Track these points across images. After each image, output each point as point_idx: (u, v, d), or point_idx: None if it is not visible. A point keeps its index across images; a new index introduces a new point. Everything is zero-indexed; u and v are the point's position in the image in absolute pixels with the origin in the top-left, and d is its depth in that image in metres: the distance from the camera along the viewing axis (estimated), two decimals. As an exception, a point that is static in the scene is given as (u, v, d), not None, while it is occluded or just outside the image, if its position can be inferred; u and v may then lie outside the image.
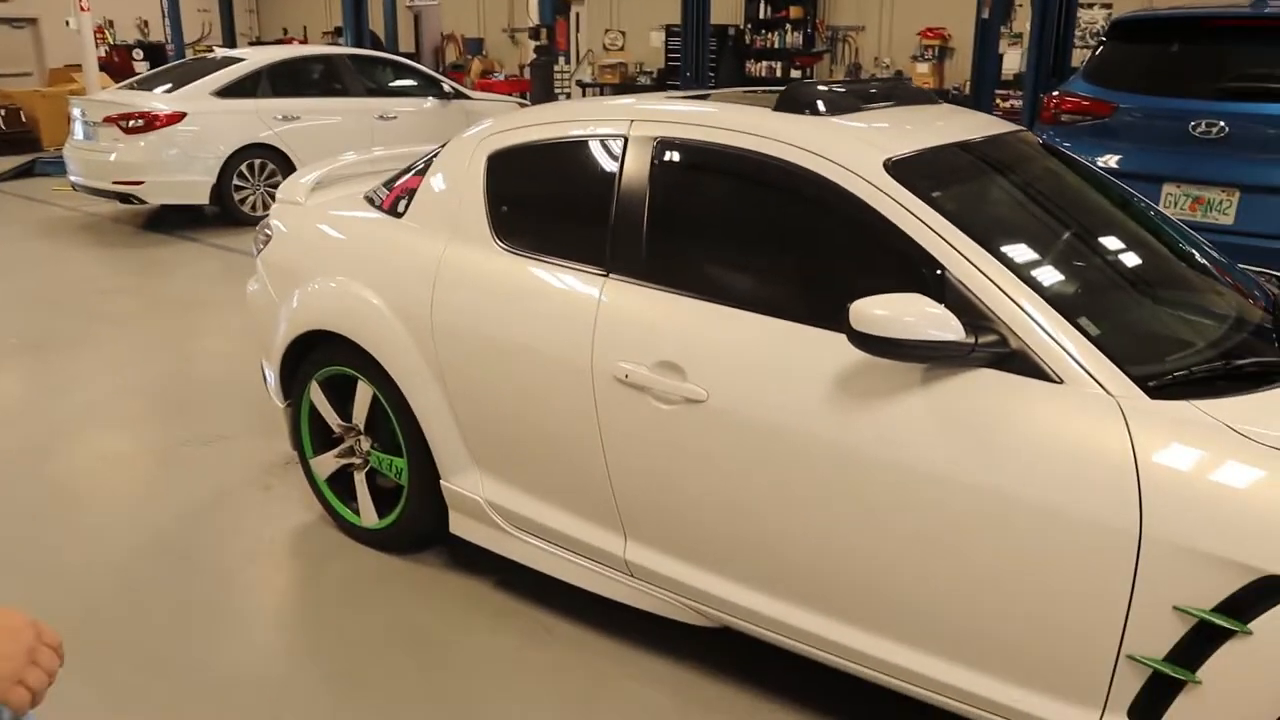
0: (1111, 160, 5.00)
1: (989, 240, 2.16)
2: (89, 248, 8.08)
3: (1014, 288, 2.08)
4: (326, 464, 3.39)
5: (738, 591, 2.44)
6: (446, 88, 10.25)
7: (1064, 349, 2.00)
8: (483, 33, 18.71)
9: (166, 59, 14.92)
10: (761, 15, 14.85)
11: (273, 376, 3.53)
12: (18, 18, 20.26)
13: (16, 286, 6.82)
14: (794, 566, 2.31)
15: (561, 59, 10.60)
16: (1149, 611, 1.88)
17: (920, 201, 2.21)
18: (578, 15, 16.66)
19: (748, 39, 15.05)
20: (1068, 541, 1.93)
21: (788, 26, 14.67)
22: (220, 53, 9.64)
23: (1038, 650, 2.03)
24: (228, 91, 8.77)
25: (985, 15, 8.91)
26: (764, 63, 14.92)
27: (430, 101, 9.97)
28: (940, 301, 2.08)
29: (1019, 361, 2.03)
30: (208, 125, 8.55)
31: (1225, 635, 1.82)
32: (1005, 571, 2.01)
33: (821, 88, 2.65)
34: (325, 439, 3.39)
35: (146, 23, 20.52)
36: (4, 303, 6.40)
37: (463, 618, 2.96)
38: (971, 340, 2.00)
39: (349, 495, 3.38)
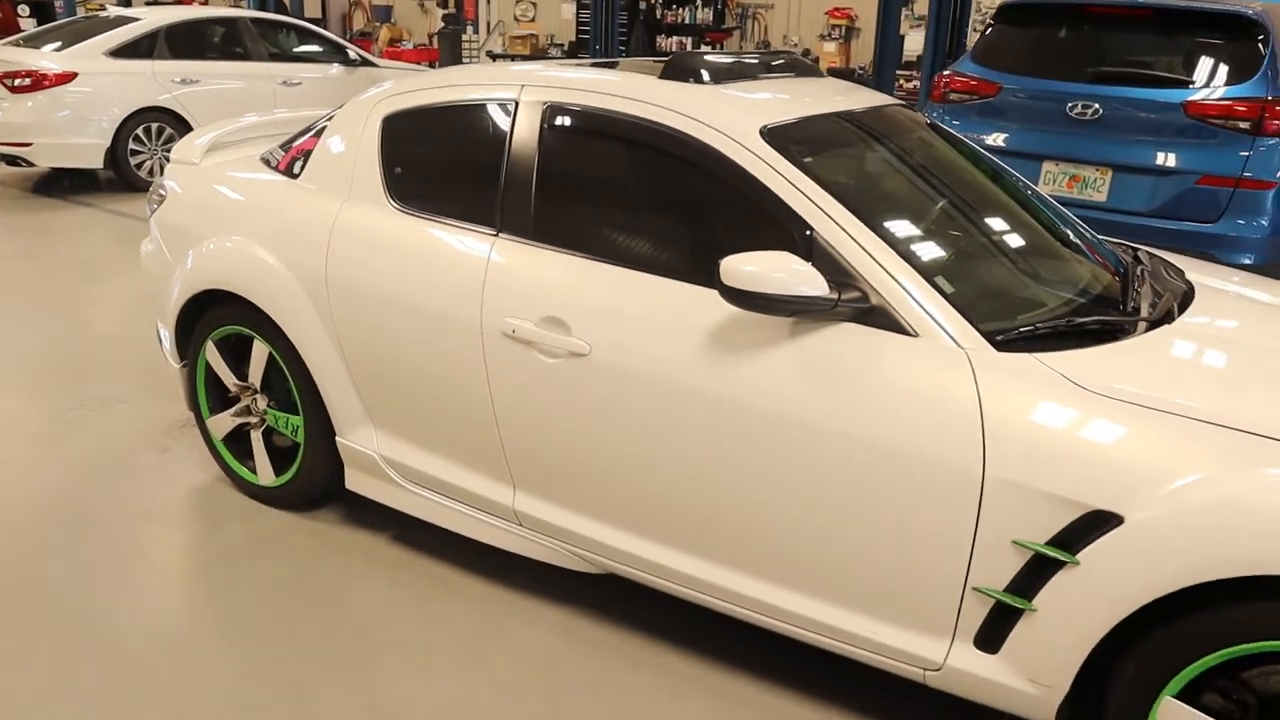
0: (996, 139, 5.23)
1: (855, 204, 2.30)
2: (-25, 211, 7.80)
3: (876, 248, 2.22)
4: (223, 424, 3.40)
5: (619, 537, 2.56)
6: (352, 54, 10.11)
7: (919, 305, 2.16)
8: (391, 0, 18.41)
9: (55, 16, 14.35)
10: (673, -10, 14.96)
11: (168, 337, 3.53)
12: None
13: (-104, 249, 6.57)
14: (670, 512, 2.43)
15: (470, 29, 10.53)
16: (991, 546, 2.05)
17: (793, 166, 2.34)
18: (489, -15, 16.50)
19: (659, 14, 15.13)
20: (919, 482, 2.08)
21: (698, 2, 14.80)
22: (114, 11, 9.33)
23: (893, 585, 2.19)
24: (122, 52, 8.52)
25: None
26: (675, 38, 15.02)
27: (336, 68, 9.82)
28: (808, 260, 2.22)
29: (879, 316, 2.18)
30: (101, 87, 8.30)
31: (1057, 566, 1.99)
32: (863, 511, 2.16)
33: (708, 57, 2.77)
34: (222, 399, 3.41)
35: (35, -21, 19.64)
36: (-117, 265, 6.17)
37: (360, 571, 3.02)
38: (835, 296, 2.14)
39: (246, 454, 3.40)
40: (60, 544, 3.12)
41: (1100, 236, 3.04)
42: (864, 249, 2.22)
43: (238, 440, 3.42)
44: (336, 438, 3.08)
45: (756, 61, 2.97)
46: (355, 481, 3.12)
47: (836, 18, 13.50)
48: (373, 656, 2.64)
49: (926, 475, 2.07)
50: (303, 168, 3.19)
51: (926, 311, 2.15)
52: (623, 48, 13.69)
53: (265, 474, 3.33)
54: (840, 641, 2.31)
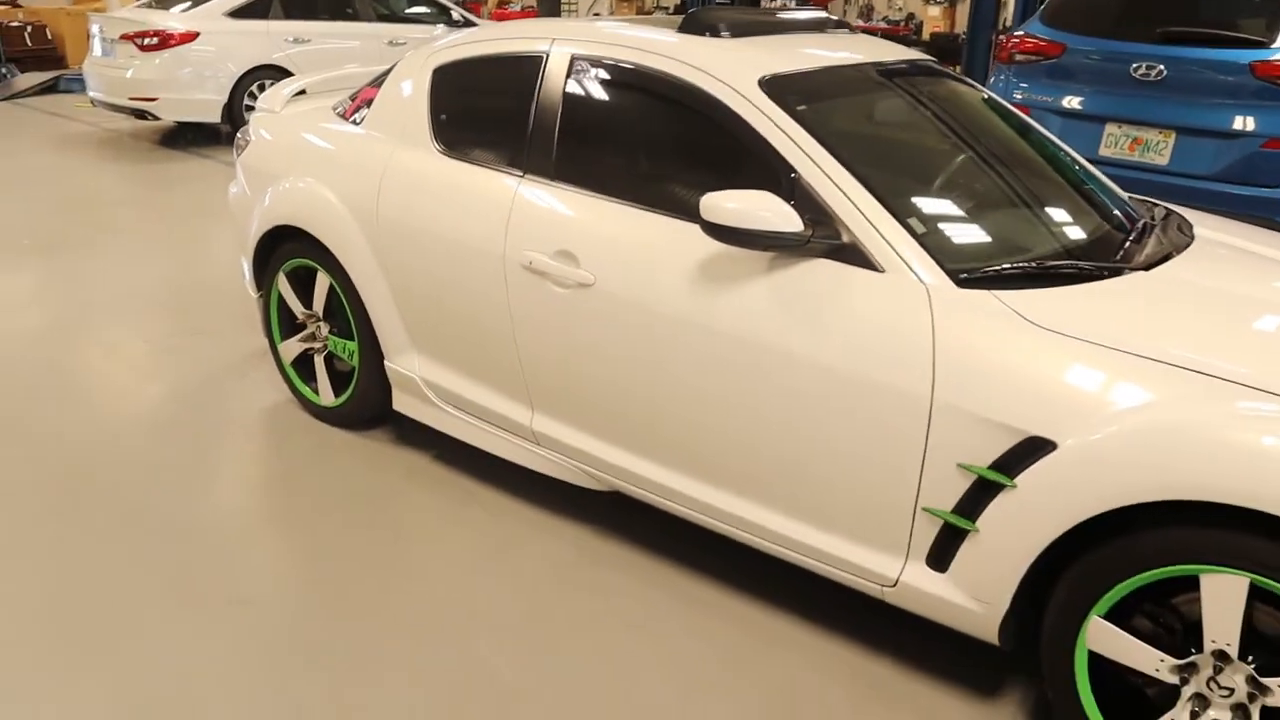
0: (1060, 100, 5.22)
1: (841, 149, 2.46)
2: (105, 162, 8.44)
3: (853, 190, 2.38)
4: (292, 349, 3.75)
5: (619, 455, 2.79)
6: (456, 15, 10.47)
7: (888, 243, 2.31)
8: (504, -37, 18.75)
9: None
10: (779, -47, 14.87)
11: (248, 269, 3.89)
12: (48, -64, 20.43)
13: (34, 195, 7.20)
14: (660, 431, 2.65)
15: (570, -9, 10.74)
16: (939, 470, 2.21)
17: (784, 113, 2.51)
18: (598, -52, 16.69)
19: (765, -24, 15.09)
20: (876, 407, 2.25)
21: (804, -35, 14.69)
22: (235, -25, 9.87)
23: (854, 504, 2.37)
24: (241, 13, 9.04)
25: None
26: (776, 2, 14.96)
27: (441, 28, 10.20)
28: (790, 200, 2.39)
29: (850, 253, 2.34)
30: (220, 45, 8.84)
31: (997, 489, 2.15)
32: (827, 433, 2.34)
33: (727, 13, 2.94)
34: (291, 326, 3.76)
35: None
36: (21, 209, 6.79)
37: (402, 483, 3.33)
38: (808, 233, 2.31)
39: (310, 377, 3.75)
40: (152, 449, 3.52)
41: (1118, 190, 3.11)
42: (841, 190, 2.38)
43: (304, 364, 3.77)
44: (385, 362, 3.39)
45: (778, 19, 3.12)
46: (401, 402, 3.43)
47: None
48: (404, 552, 2.94)
49: (882, 400, 2.24)
50: (364, 115, 3.49)
51: (894, 249, 2.31)
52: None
53: (326, 395, 3.67)
54: (809, 557, 2.50)
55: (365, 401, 3.55)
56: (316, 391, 3.72)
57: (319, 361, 3.67)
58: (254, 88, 9.07)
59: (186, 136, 9.59)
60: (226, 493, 3.25)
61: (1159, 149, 4.92)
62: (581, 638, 2.61)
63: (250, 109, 9.08)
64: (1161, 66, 4.85)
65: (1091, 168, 3.14)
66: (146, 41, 8.61)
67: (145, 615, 2.64)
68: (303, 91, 4.15)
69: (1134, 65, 4.92)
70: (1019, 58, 5.38)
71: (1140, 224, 2.83)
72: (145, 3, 9.81)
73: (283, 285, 3.69)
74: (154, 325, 4.69)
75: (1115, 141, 5.04)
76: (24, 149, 8.87)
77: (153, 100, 8.71)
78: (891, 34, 13.32)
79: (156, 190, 7.45)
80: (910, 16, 13.70)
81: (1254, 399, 1.95)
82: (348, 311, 3.45)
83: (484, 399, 3.11)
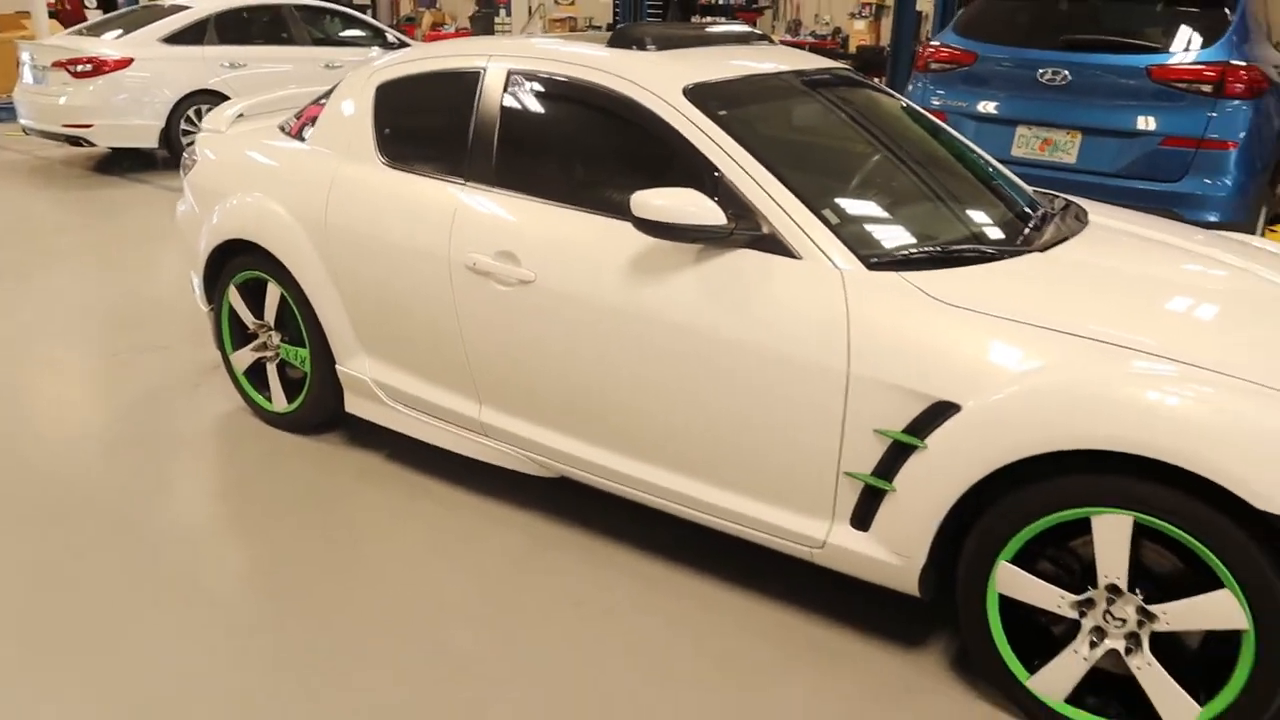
0: (974, 105, 5.52)
1: (759, 149, 2.67)
2: (40, 189, 8.41)
3: (771, 186, 2.59)
4: (244, 358, 3.87)
5: (564, 441, 2.96)
6: (391, 38, 10.60)
7: (804, 233, 2.52)
8: (437, -14, 18.92)
9: (119, 6, 15.06)
10: (707, -29, 15.22)
11: (198, 284, 4.00)
12: (-31, -35, 20.17)
13: (-30, 221, 7.18)
14: (603, 416, 2.83)
15: (503, 12, 10.96)
16: (857, 436, 2.42)
17: (706, 118, 2.72)
18: (530, -30, 16.91)
19: (694, -6, 15.41)
20: (798, 382, 2.45)
21: (732, -18, 15.05)
22: (169, 1, 9.92)
23: (783, 474, 2.56)
24: (176, 38, 9.08)
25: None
26: (709, 17, 15.28)
27: (375, 51, 10.31)
28: (714, 197, 2.59)
29: (770, 243, 2.55)
30: (155, 71, 8.87)
31: (910, 450, 2.35)
32: (756, 409, 2.54)
33: (652, 29, 3.14)
34: (243, 337, 3.87)
35: (100, -28, 20.47)
36: (-42, 235, 6.78)
37: (356, 483, 3.47)
38: (731, 225, 2.51)
39: (263, 385, 3.87)
40: (108, 461, 3.61)
41: (1023, 184, 3.35)
42: (760, 186, 2.59)
43: (256, 373, 3.88)
44: (336, 365, 3.52)
45: (702, 32, 3.33)
46: (353, 404, 3.56)
47: (873, -4, 13.71)
48: (363, 549, 3.08)
49: (804, 376, 2.44)
50: (310, 133, 3.63)
51: (810, 238, 2.51)
52: (659, 29, 14.00)
53: (279, 401, 3.79)
54: (743, 525, 2.69)
55: (318, 405, 3.68)
56: (270, 399, 3.84)
57: (271, 369, 3.79)
58: (190, 112, 9.11)
59: (123, 163, 9.58)
60: (186, 500, 3.36)
61: (1067, 148, 5.23)
62: (535, 617, 2.77)
63: (188, 134, 9.11)
64: (1066, 72, 5.16)
65: (999, 165, 3.40)
66: (80, 68, 8.62)
67: (118, 621, 2.75)
68: (241, 115, 4.27)
69: (1040, 71, 5.23)
70: (935, 66, 5.68)
71: (1040, 213, 3.07)
72: (77, 30, 9.80)
73: (234, 297, 3.80)
74: (104, 344, 4.76)
75: (1026, 142, 5.34)
76: (-43, 179, 8.80)
77: (88, 127, 8.70)
78: (819, 47, 13.69)
79: (95, 217, 7.47)
80: (837, 30, 14.11)
81: (1135, 360, 2.19)
82: (299, 319, 3.58)
83: (434, 395, 3.27)
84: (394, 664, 2.57)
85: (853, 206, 2.72)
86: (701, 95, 2.81)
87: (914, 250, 2.58)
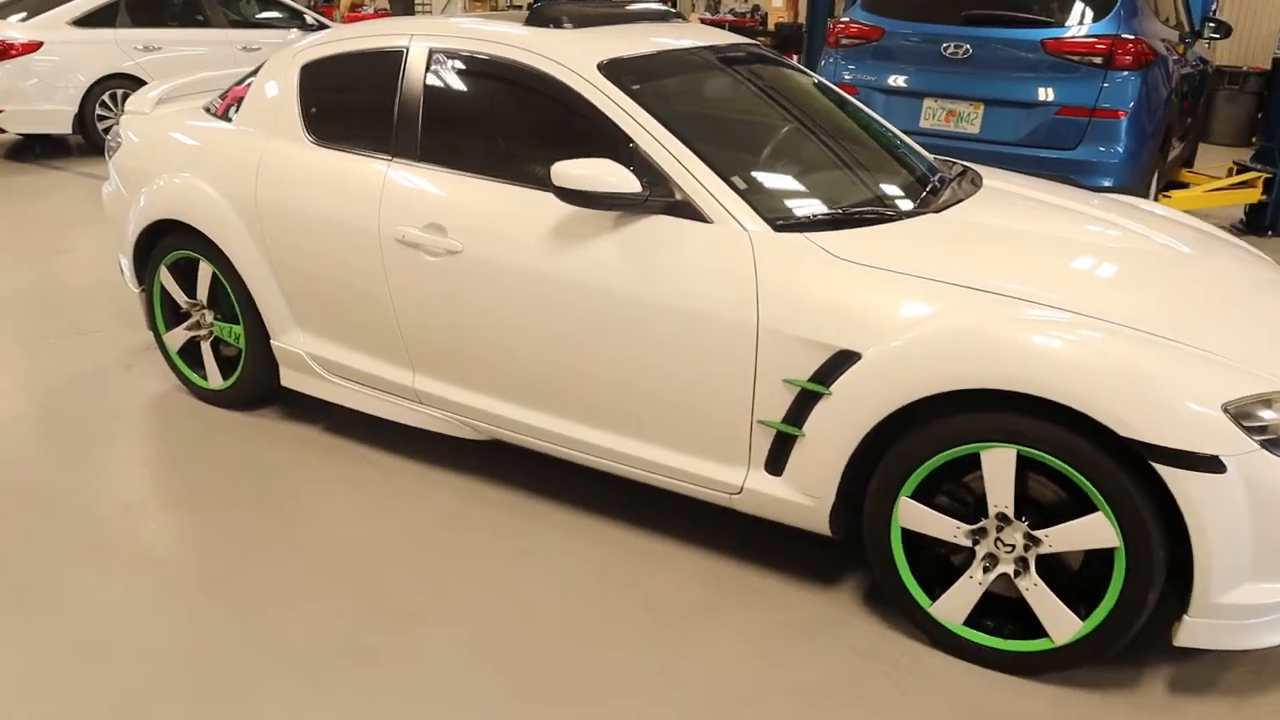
0: (883, 79, 5.75)
1: (671, 120, 2.83)
2: (-49, 176, 8.24)
3: (682, 155, 2.75)
4: (178, 338, 3.93)
5: (495, 404, 3.11)
6: (309, 19, 10.52)
7: (715, 198, 2.69)
8: (355, -34, 18.69)
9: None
10: (626, -50, 15.28)
11: (128, 266, 4.04)
12: None
13: (-121, 211, 7.03)
14: (530, 378, 2.98)
15: (423, -9, 10.93)
16: (768, 386, 2.60)
17: (620, 92, 2.87)
18: (449, -51, 16.81)
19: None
20: (713, 336, 2.63)
21: (651, -39, 15.13)
22: (77, -18, 9.71)
23: (701, 425, 2.74)
24: (85, 21, 8.92)
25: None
26: (630, -3, 15.40)
27: (294, 33, 10.23)
28: (630, 167, 2.75)
29: (683, 208, 2.71)
30: (66, 55, 8.72)
31: (817, 398, 2.54)
32: (675, 364, 2.71)
33: (567, 7, 3.28)
34: (175, 316, 3.93)
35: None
36: None
37: (293, 454, 3.57)
38: (645, 193, 2.67)
39: (197, 364, 3.93)
40: (41, 439, 3.65)
41: (924, 153, 3.57)
42: (673, 156, 2.75)
43: (190, 352, 3.95)
44: (271, 341, 3.61)
45: (618, 10, 3.48)
46: (289, 378, 3.66)
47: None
48: (300, 513, 3.19)
49: (718, 331, 2.62)
50: (236, 112, 3.69)
51: (720, 203, 2.68)
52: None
53: (215, 379, 3.87)
54: (666, 476, 2.86)
55: (253, 381, 3.76)
56: (205, 377, 3.90)
57: (205, 347, 3.86)
58: (105, 97, 8.97)
59: (35, 150, 9.39)
60: (124, 477, 3.42)
61: (971, 119, 5.49)
62: (471, 568, 2.92)
63: (103, 119, 8.97)
64: (967, 46, 5.41)
65: (902, 135, 3.60)
66: (-13, 53, 8.43)
67: (64, 584, 2.83)
68: (163, 98, 4.29)
69: (944, 45, 5.47)
70: (844, 41, 5.89)
71: (938, 178, 3.28)
72: (-19, 14, 9.56)
73: (165, 278, 3.86)
74: (31, 328, 4.75)
75: (933, 114, 5.58)
76: None
77: (-1, 112, 8.54)
78: (739, 25, 13.90)
79: (13, 202, 7.35)
80: (756, 8, 14.32)
81: (1015, 307, 2.40)
82: (232, 297, 3.66)
83: (368, 366, 3.38)
84: (336, 611, 2.70)
85: (760, 173, 2.90)
86: (615, 70, 2.95)
87: (818, 213, 2.76)
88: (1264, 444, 2.21)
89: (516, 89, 3.06)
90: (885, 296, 2.48)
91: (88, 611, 2.70)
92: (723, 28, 13.85)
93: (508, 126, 3.09)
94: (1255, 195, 7.09)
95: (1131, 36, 5.25)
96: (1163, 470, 2.21)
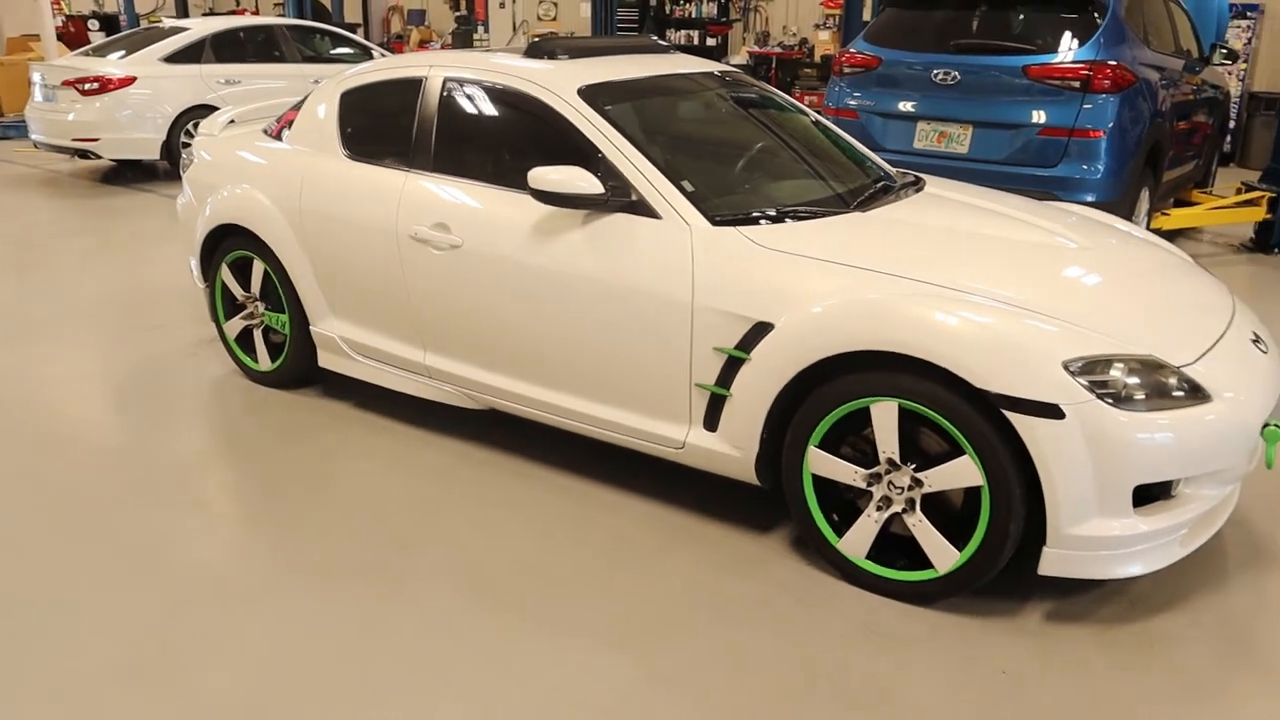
0: (881, 104, 6.22)
1: (633, 135, 3.37)
2: (51, 199, 9.15)
3: (639, 162, 3.28)
4: (234, 326, 4.57)
5: (490, 376, 3.66)
6: (376, 54, 11.33)
7: (664, 198, 3.22)
8: (425, 4, 19.69)
9: (121, 29, 15.84)
10: (680, -14, 15.97)
11: (195, 266, 4.71)
12: (-23, -8, 21.07)
13: (-10, 227, 7.91)
14: (517, 352, 3.53)
15: (481, 28, 11.69)
16: (702, 353, 3.11)
17: (594, 112, 3.42)
18: (514, -13, 17.67)
19: (668, 9, 16.15)
20: (659, 313, 3.14)
21: (703, -3, 15.80)
22: (169, 23, 10.66)
23: (650, 388, 3.25)
24: (175, 58, 9.81)
25: (851, -14, 10.10)
26: (682, 31, 16.04)
27: (361, 67, 11.03)
28: (598, 173, 3.29)
29: (639, 207, 3.25)
30: (157, 88, 9.60)
31: (741, 362, 3.04)
32: (629, 336, 3.23)
33: (565, 42, 3.86)
34: (233, 308, 4.58)
35: (103, -5, 21.29)
36: (-20, 238, 7.50)
37: (325, 423, 4.16)
38: (607, 194, 3.21)
39: (250, 349, 4.57)
40: (120, 407, 4.31)
41: (880, 162, 4.05)
42: (631, 163, 3.29)
43: (245, 339, 4.59)
44: (310, 327, 4.22)
45: (610, 43, 4.04)
46: (325, 359, 4.26)
47: (830, 7, 14.41)
48: (327, 470, 3.77)
49: (663, 309, 3.14)
50: (288, 133, 4.34)
51: (668, 202, 3.21)
52: (635, 41, 14.78)
53: (264, 361, 4.50)
54: (622, 434, 3.38)
55: (296, 362, 4.38)
56: (256, 360, 4.54)
57: (257, 335, 4.49)
58: (190, 126, 9.83)
59: (126, 174, 10.31)
60: (184, 435, 4.05)
61: (960, 140, 5.93)
62: (459, 511, 3.47)
63: (187, 146, 9.81)
64: (955, 72, 5.87)
65: (855, 145, 4.10)
66: (87, 86, 9.35)
67: (128, 514, 3.45)
68: (232, 121, 4.98)
69: (934, 72, 5.94)
70: (847, 70, 6.39)
71: (877, 184, 3.76)
72: (84, 51, 10.54)
73: (225, 274, 4.51)
74: (116, 323, 5.47)
75: (926, 136, 6.04)
76: (-26, 190, 9.54)
77: (94, 140, 9.43)
78: (785, 58, 14.44)
79: (105, 220, 8.19)
80: (803, 41, 14.83)
81: (901, 284, 2.88)
82: (279, 290, 4.29)
83: (388, 346, 3.97)
84: (349, 539, 3.26)
85: (707, 178, 3.42)
86: (592, 94, 3.51)
87: (752, 211, 3.27)
88: (1100, 396, 2.65)
89: (512, 110, 3.64)
90: (796, 277, 2.98)
91: (146, 537, 3.31)
92: (770, 60, 14.41)
93: (503, 141, 3.67)
94: (1260, 214, 7.37)
95: (1112, 62, 5.65)
96: (1012, 417, 2.66)
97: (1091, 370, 2.68)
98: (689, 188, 3.28)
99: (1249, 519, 3.51)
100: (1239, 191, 7.63)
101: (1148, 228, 6.50)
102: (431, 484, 3.65)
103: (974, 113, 5.87)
